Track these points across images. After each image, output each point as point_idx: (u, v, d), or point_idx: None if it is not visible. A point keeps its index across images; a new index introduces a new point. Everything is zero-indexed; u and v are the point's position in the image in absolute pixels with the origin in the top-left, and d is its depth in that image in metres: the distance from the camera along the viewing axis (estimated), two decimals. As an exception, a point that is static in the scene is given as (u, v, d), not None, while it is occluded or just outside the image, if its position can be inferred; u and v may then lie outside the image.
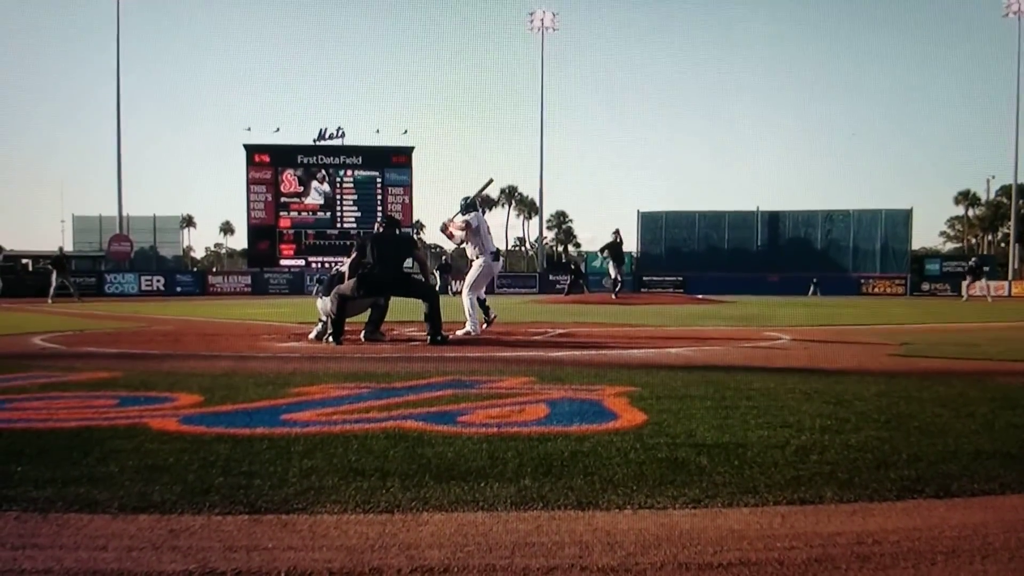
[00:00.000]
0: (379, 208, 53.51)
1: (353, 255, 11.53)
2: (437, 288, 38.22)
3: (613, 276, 29.77)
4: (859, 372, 7.91)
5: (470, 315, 12.34)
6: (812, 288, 49.08)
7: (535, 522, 3.09)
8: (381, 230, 11.81)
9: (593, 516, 3.17)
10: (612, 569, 2.64)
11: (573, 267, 44.25)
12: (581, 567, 2.66)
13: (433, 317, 10.99)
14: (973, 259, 45.54)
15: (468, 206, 12.95)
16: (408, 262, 11.86)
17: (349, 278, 11.26)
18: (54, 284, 31.99)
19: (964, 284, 39.58)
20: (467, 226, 12.64)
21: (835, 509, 3.27)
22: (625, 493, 3.42)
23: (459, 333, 12.02)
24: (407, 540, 2.89)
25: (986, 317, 20.84)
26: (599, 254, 30.73)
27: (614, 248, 29.50)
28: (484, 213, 13.52)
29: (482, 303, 13.03)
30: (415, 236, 61.21)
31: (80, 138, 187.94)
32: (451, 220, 12.87)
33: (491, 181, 13.46)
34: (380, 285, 11.24)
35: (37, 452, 4.17)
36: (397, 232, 12.18)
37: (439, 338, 10.89)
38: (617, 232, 29.38)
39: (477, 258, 12.76)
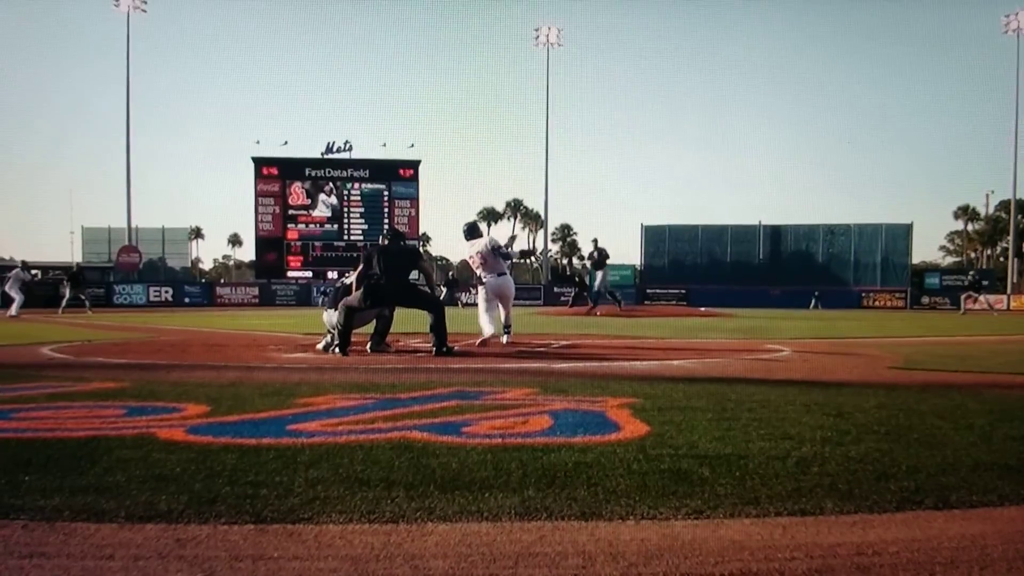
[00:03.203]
0: (386, 221, 53.50)
1: (359, 268, 11.56)
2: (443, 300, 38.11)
3: (599, 288, 29.53)
4: (859, 384, 7.92)
5: (483, 327, 12.54)
6: (813, 301, 48.97)
7: (539, 532, 3.11)
8: (386, 243, 11.84)
9: (596, 527, 3.19)
10: (614, 579, 2.67)
11: (578, 279, 44.17)
12: (583, 577, 2.69)
13: (438, 328, 11.02)
14: (972, 273, 45.44)
15: (471, 231, 13.23)
16: (414, 274, 11.93)
17: (356, 290, 11.30)
18: (67, 297, 32.04)
19: (963, 298, 39.59)
20: (482, 259, 12.82)
21: (835, 520, 3.29)
22: (628, 504, 3.45)
23: (476, 343, 12.30)
24: (412, 550, 2.91)
25: (985, 330, 20.81)
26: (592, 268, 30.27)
27: (597, 260, 29.63)
28: (483, 234, 13.58)
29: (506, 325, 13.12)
30: (421, 248, 61.16)
31: (89, 149, 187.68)
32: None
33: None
34: (387, 296, 11.27)
35: (45, 461, 4.19)
36: (402, 244, 12.21)
37: (444, 349, 10.92)
38: (595, 241, 29.55)
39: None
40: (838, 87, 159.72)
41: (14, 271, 29.40)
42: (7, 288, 28.96)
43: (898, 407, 6.18)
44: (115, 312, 36.24)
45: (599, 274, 29.50)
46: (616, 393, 6.83)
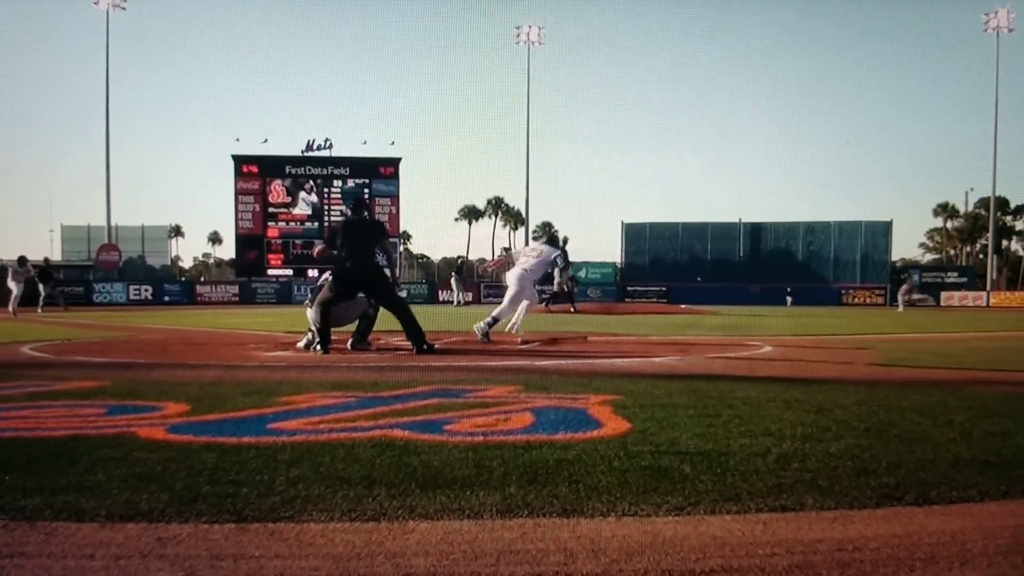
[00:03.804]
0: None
1: (321, 246, 11.50)
2: (456, 296, 38.32)
3: (566, 286, 29.48)
4: (839, 381, 7.97)
5: (491, 319, 13.06)
6: (789, 299, 49.04)
7: (520, 530, 3.11)
8: (350, 214, 11.66)
9: (577, 523, 3.19)
10: (596, 576, 2.68)
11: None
12: (566, 574, 2.69)
13: (410, 328, 10.95)
14: (900, 263, 45.50)
15: (552, 240, 14.50)
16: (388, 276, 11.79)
17: (318, 254, 11.25)
18: (43, 294, 31.72)
19: (905, 297, 39.83)
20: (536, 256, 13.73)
21: (816, 516, 3.30)
22: (609, 500, 3.45)
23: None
24: (393, 548, 2.91)
25: (965, 327, 20.91)
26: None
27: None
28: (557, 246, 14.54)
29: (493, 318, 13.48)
30: (402, 247, 60.95)
31: (69, 148, 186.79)
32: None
33: None
34: (353, 280, 11.13)
35: (25, 461, 4.17)
36: (367, 217, 12.04)
37: (424, 347, 10.91)
38: (564, 240, 29.87)
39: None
40: (819, 86, 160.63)
41: (15, 266, 29.10)
42: (10, 282, 28.64)
43: (878, 403, 6.21)
44: (95, 311, 36.05)
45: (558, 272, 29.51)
46: (598, 390, 6.84)
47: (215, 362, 9.99)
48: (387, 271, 11.90)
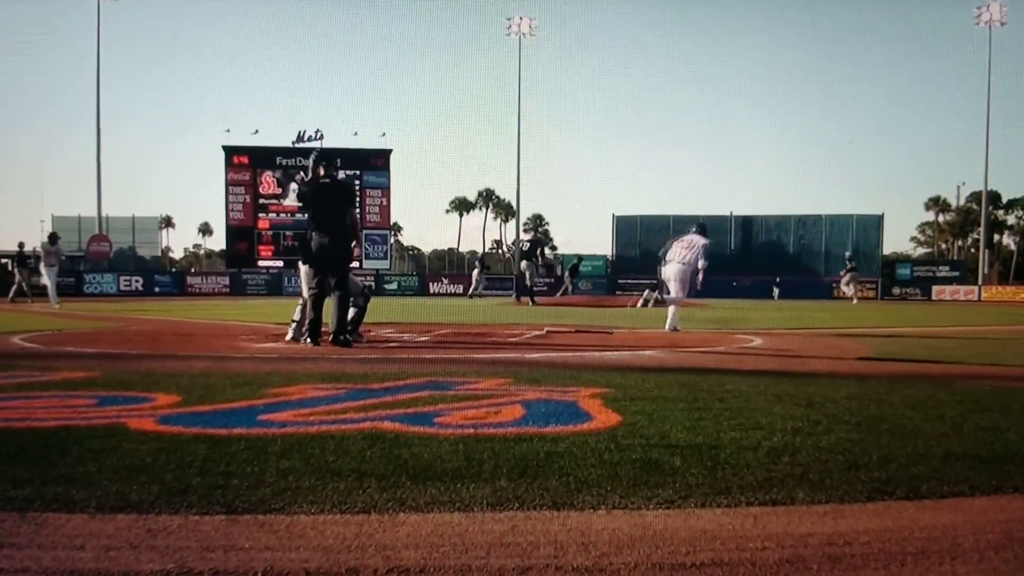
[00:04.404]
0: (357, 211, 53.31)
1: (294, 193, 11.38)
2: (476, 288, 38.54)
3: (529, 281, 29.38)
4: (830, 375, 7.99)
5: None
6: (776, 291, 49.08)
7: (510, 522, 3.11)
8: (321, 173, 11.35)
9: (568, 516, 3.19)
10: (586, 569, 2.67)
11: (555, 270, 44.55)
12: (556, 567, 2.68)
13: (341, 315, 10.74)
14: (848, 254, 45.34)
15: (702, 229, 15.71)
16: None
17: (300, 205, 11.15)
18: (25, 282, 30.60)
19: (844, 284, 39.58)
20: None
21: (806, 510, 3.30)
22: (599, 493, 3.45)
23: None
24: (383, 540, 2.91)
25: (955, 321, 20.95)
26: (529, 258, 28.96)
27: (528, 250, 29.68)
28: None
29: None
30: (392, 238, 60.71)
31: (60, 138, 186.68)
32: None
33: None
34: (324, 261, 10.85)
35: (15, 451, 4.16)
36: (339, 179, 11.76)
37: (341, 339, 10.61)
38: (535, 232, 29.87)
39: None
40: (812, 80, 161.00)
41: (46, 246, 28.11)
42: (42, 269, 27.67)
43: (869, 397, 6.22)
44: (85, 301, 35.93)
45: (524, 264, 29.24)
46: (588, 383, 6.84)
47: (206, 353, 9.97)
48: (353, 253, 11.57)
